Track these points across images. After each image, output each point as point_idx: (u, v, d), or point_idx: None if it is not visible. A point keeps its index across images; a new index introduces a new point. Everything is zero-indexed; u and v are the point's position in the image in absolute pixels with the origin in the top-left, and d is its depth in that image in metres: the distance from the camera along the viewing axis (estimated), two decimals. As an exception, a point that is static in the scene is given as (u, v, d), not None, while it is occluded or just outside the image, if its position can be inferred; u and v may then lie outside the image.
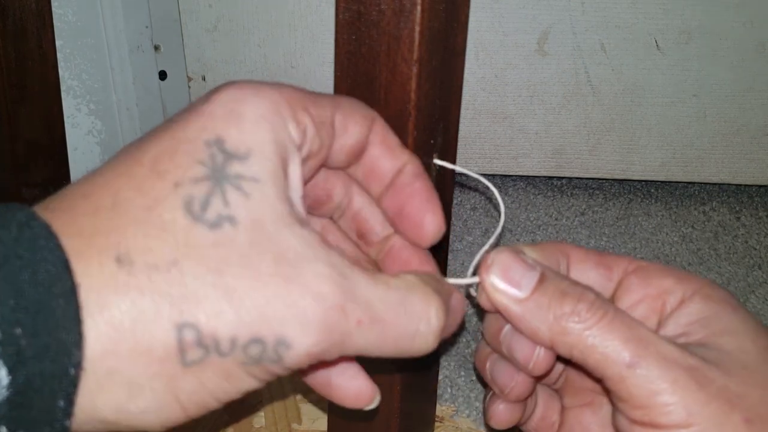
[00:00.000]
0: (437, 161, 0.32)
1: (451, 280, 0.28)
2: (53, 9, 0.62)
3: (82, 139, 0.74)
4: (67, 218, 0.21)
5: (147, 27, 0.76)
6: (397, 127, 0.30)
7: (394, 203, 0.29)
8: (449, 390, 0.47)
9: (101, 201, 0.21)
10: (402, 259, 0.30)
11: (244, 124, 0.23)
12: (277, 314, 0.21)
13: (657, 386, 0.25)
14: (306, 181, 0.26)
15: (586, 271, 0.31)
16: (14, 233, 0.20)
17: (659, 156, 0.72)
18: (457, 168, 0.33)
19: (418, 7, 0.28)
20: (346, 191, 0.29)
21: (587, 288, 0.28)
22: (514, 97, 0.71)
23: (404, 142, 0.30)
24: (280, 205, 0.22)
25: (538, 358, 0.28)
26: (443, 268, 0.37)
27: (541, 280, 0.27)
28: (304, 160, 0.25)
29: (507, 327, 0.29)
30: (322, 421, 0.45)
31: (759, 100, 0.69)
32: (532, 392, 0.31)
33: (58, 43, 0.63)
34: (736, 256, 0.65)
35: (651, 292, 0.29)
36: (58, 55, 0.64)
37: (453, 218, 0.64)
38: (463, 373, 0.49)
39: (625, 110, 0.70)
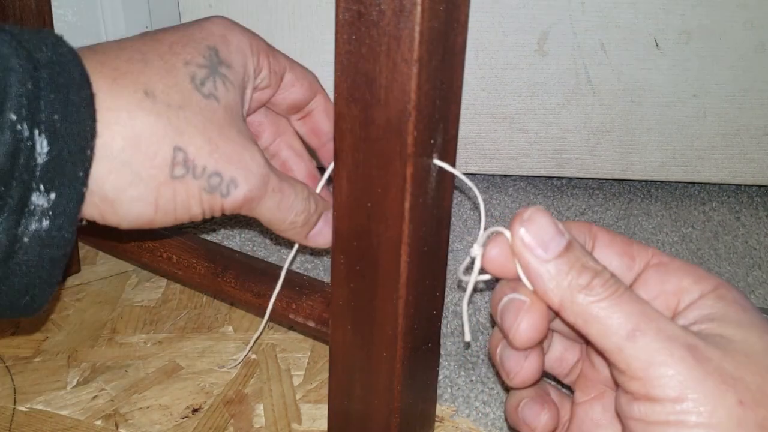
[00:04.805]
0: (437, 162, 0.32)
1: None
2: (53, 9, 0.62)
3: (82, 139, 0.73)
4: (107, 59, 0.29)
5: (147, 27, 0.76)
6: (397, 127, 0.30)
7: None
8: (449, 390, 0.47)
9: (134, 55, 0.30)
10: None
11: (230, 47, 0.34)
12: (234, 163, 0.32)
13: (654, 358, 0.25)
14: (248, 113, 0.37)
15: (609, 257, 0.32)
16: (49, 53, 0.27)
17: (659, 156, 0.72)
18: (455, 171, 0.33)
19: (418, 7, 0.28)
20: (274, 141, 0.41)
21: (606, 268, 0.29)
22: (514, 97, 0.71)
23: (404, 142, 0.30)
24: (241, 106, 0.34)
25: (519, 327, 0.29)
26: (443, 268, 0.37)
27: (567, 248, 0.29)
28: (253, 90, 0.36)
29: (506, 298, 0.30)
30: (322, 421, 0.45)
31: (759, 100, 0.69)
32: (537, 380, 0.33)
33: (58, 43, 0.63)
34: (736, 256, 0.65)
35: (667, 289, 0.30)
36: (58, 55, 0.64)
37: (453, 218, 0.64)
38: (463, 373, 0.49)
39: (625, 110, 0.70)
